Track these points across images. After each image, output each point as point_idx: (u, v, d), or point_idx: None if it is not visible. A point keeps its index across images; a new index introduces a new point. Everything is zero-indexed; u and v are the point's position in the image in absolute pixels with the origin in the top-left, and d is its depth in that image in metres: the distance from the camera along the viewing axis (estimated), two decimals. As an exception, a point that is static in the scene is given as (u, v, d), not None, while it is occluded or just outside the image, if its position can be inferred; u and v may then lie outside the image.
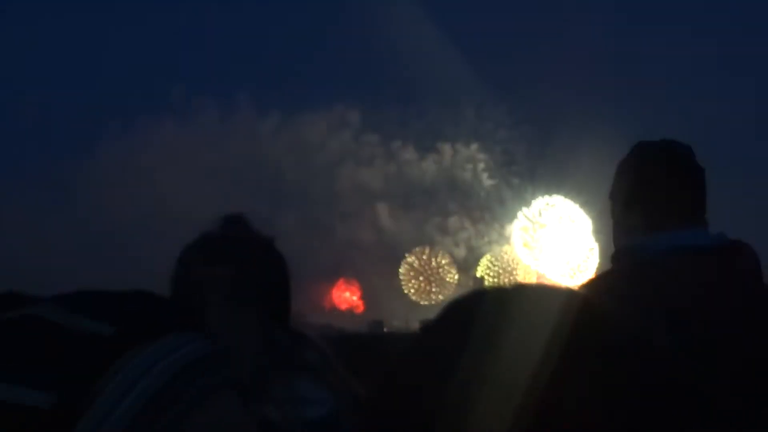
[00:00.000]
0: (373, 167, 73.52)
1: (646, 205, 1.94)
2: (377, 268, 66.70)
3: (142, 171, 67.55)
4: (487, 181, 71.29)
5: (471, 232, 70.21)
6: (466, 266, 67.14)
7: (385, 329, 55.40)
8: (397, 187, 75.01)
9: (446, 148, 72.20)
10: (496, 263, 63.18)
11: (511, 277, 62.84)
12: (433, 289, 62.88)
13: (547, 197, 61.62)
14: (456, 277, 63.21)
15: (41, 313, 0.93)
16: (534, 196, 62.70)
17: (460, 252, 69.07)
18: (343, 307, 66.91)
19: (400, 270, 63.14)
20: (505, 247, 62.41)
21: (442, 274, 63.85)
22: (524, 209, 63.30)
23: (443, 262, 63.64)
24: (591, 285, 1.91)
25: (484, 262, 63.85)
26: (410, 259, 63.55)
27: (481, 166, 72.20)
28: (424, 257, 63.57)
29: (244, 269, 1.36)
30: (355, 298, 68.43)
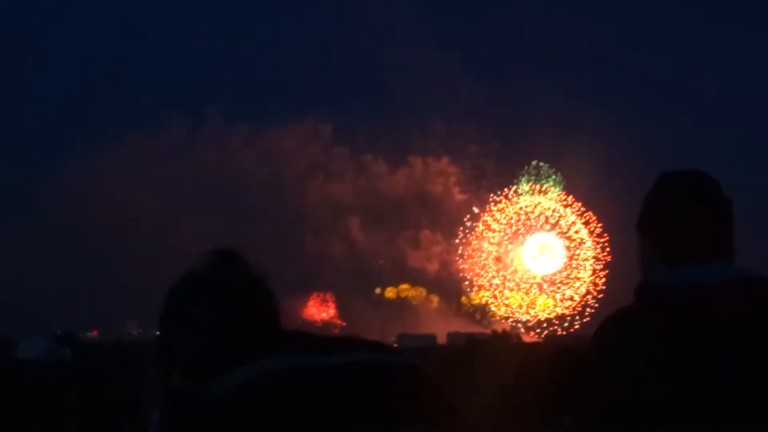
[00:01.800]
0: (344, 180, 74.18)
1: (670, 240, 1.95)
2: (349, 281, 67.24)
3: (110, 183, 67.62)
4: (458, 195, 72.38)
5: (443, 247, 71.16)
6: (439, 283, 67.82)
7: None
8: (368, 200, 75.72)
9: (417, 162, 73.30)
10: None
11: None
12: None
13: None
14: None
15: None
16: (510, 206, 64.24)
17: (433, 266, 69.88)
18: (318, 320, 67.30)
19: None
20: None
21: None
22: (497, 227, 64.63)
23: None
24: (610, 320, 1.91)
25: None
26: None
27: (452, 180, 73.40)
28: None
29: (224, 310, 1.34)
30: (331, 311, 68.91)
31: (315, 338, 1.22)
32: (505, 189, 64.90)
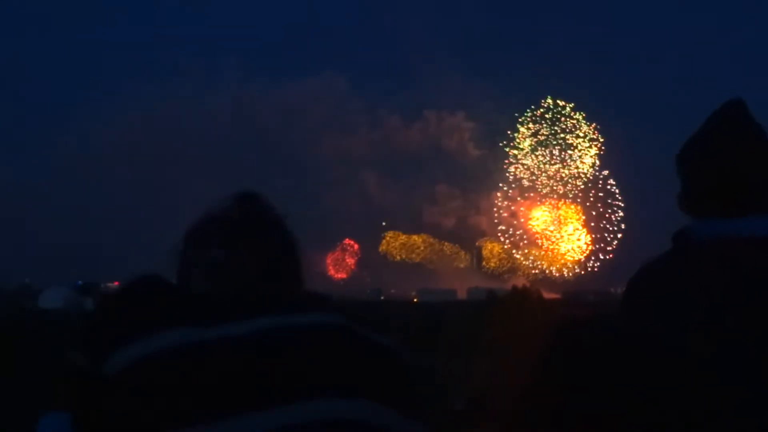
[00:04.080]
0: (359, 134, 74.11)
1: (733, 182, 1.80)
2: (365, 235, 67.66)
3: (127, 135, 68.13)
4: (473, 151, 72.14)
5: (460, 202, 71.22)
6: (459, 238, 68.03)
7: (382, 297, 56.55)
8: (383, 154, 75.83)
9: (432, 116, 73.01)
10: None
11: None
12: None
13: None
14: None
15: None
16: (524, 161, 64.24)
17: (449, 221, 70.05)
18: (340, 274, 67.92)
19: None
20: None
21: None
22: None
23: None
24: (646, 269, 1.78)
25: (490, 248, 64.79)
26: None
27: (467, 135, 73.18)
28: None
29: (242, 252, 1.28)
30: (353, 262, 69.40)
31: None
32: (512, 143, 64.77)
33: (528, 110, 64.18)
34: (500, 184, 65.15)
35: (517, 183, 64.68)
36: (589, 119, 63.31)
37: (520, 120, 64.33)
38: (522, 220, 64.13)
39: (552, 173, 64.05)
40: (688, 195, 1.79)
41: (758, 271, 1.62)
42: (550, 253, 64.04)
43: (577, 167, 63.88)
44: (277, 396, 0.95)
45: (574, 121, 63.61)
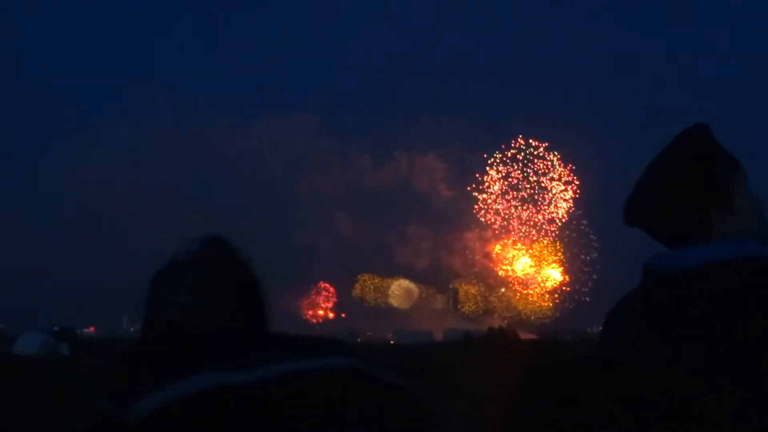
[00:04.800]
0: (330, 174, 73.46)
1: (674, 217, 1.86)
2: (339, 277, 66.87)
3: (97, 174, 67.38)
4: (445, 192, 71.60)
5: (432, 243, 70.54)
6: (432, 279, 67.30)
7: (358, 339, 55.88)
8: (354, 195, 75.17)
9: (402, 157, 72.70)
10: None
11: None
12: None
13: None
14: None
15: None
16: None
17: (422, 262, 69.45)
18: (315, 316, 67.03)
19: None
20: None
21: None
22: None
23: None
24: (620, 304, 1.82)
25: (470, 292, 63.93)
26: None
27: (438, 176, 72.74)
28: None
29: (207, 296, 1.32)
30: (329, 306, 68.53)
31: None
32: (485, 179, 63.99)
33: (497, 152, 63.78)
34: (472, 225, 64.96)
35: (488, 227, 64.40)
36: (564, 159, 62.88)
37: (489, 162, 63.91)
38: (496, 263, 63.99)
39: (525, 218, 63.68)
40: (639, 205, 1.83)
41: (733, 296, 1.61)
42: (525, 296, 63.79)
43: (551, 212, 63.46)
44: None
45: (548, 162, 63.24)
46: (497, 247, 63.69)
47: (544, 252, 62.91)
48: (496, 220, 63.53)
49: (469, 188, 64.28)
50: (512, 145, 63.36)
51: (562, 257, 62.77)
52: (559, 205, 62.71)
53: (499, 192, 63.49)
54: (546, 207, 63.09)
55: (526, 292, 63.41)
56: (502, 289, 63.65)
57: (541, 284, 62.89)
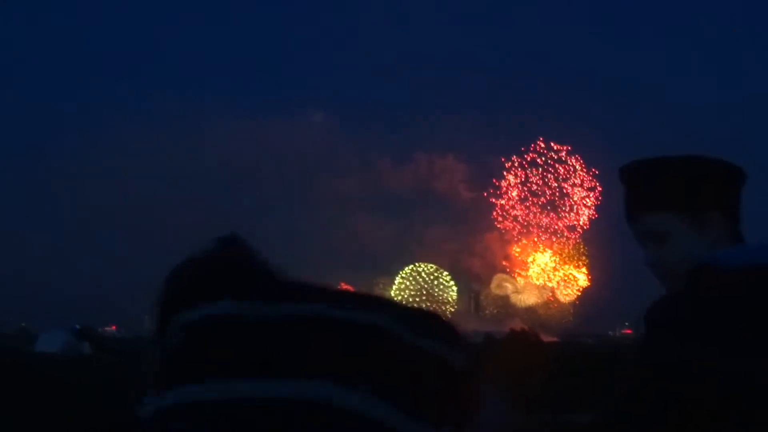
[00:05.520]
0: (351, 177, 73.61)
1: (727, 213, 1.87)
2: (359, 279, 66.94)
3: (112, 175, 67.86)
4: (465, 193, 71.61)
5: (452, 245, 70.48)
6: (453, 281, 67.15)
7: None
8: (374, 197, 75.40)
9: (422, 159, 72.70)
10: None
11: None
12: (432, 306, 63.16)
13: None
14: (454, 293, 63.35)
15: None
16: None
17: (443, 264, 69.29)
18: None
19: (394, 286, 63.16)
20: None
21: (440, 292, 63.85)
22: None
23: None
24: (665, 303, 1.80)
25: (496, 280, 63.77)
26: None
27: (458, 176, 72.73)
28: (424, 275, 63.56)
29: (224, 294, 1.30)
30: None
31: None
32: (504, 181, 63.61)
33: (516, 155, 63.42)
34: (492, 228, 64.76)
35: (508, 233, 64.17)
36: (587, 163, 62.39)
37: (507, 166, 63.50)
38: (515, 265, 63.78)
39: (545, 225, 63.20)
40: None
41: None
42: (548, 299, 63.58)
43: (572, 220, 62.90)
44: (279, 369, 0.93)
45: (570, 167, 62.82)
46: (516, 249, 63.54)
47: (570, 252, 62.57)
48: (515, 226, 63.34)
49: (485, 194, 64.16)
50: (531, 148, 63.18)
51: (586, 260, 62.46)
52: (580, 212, 62.36)
53: (518, 198, 63.33)
54: (567, 214, 62.75)
55: (548, 295, 63.22)
56: (522, 292, 63.52)
57: (561, 285, 62.77)
